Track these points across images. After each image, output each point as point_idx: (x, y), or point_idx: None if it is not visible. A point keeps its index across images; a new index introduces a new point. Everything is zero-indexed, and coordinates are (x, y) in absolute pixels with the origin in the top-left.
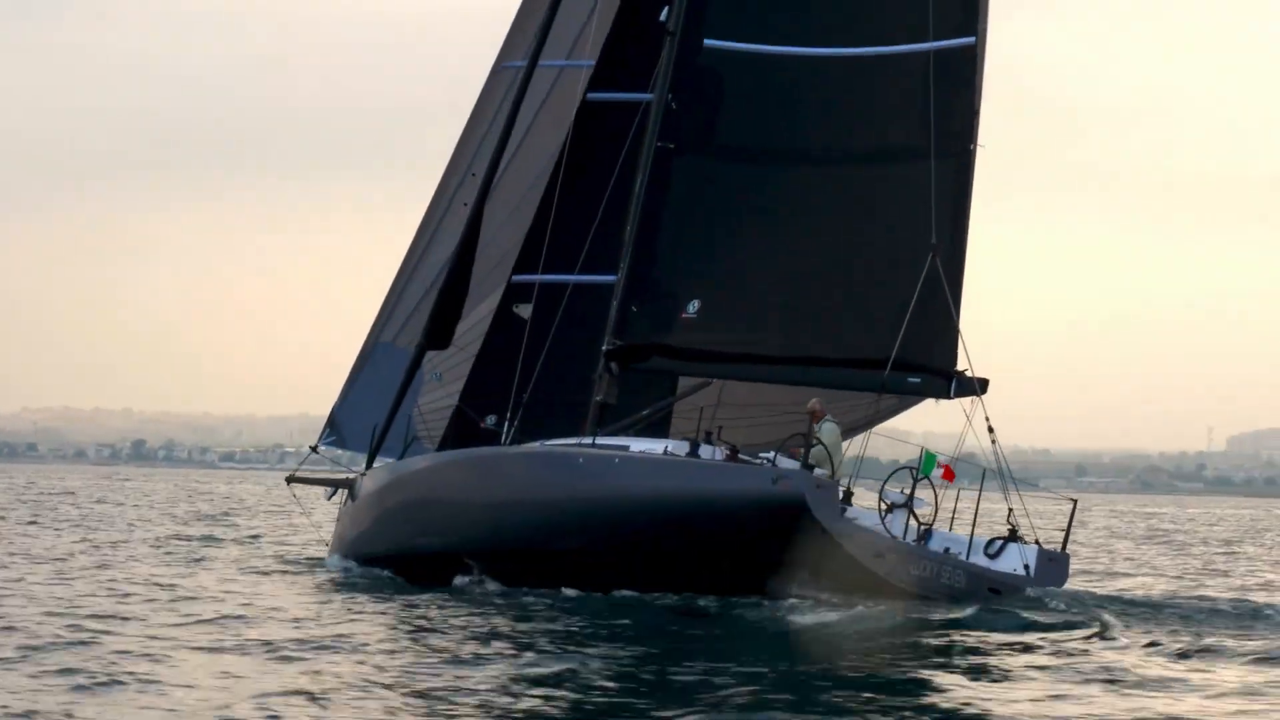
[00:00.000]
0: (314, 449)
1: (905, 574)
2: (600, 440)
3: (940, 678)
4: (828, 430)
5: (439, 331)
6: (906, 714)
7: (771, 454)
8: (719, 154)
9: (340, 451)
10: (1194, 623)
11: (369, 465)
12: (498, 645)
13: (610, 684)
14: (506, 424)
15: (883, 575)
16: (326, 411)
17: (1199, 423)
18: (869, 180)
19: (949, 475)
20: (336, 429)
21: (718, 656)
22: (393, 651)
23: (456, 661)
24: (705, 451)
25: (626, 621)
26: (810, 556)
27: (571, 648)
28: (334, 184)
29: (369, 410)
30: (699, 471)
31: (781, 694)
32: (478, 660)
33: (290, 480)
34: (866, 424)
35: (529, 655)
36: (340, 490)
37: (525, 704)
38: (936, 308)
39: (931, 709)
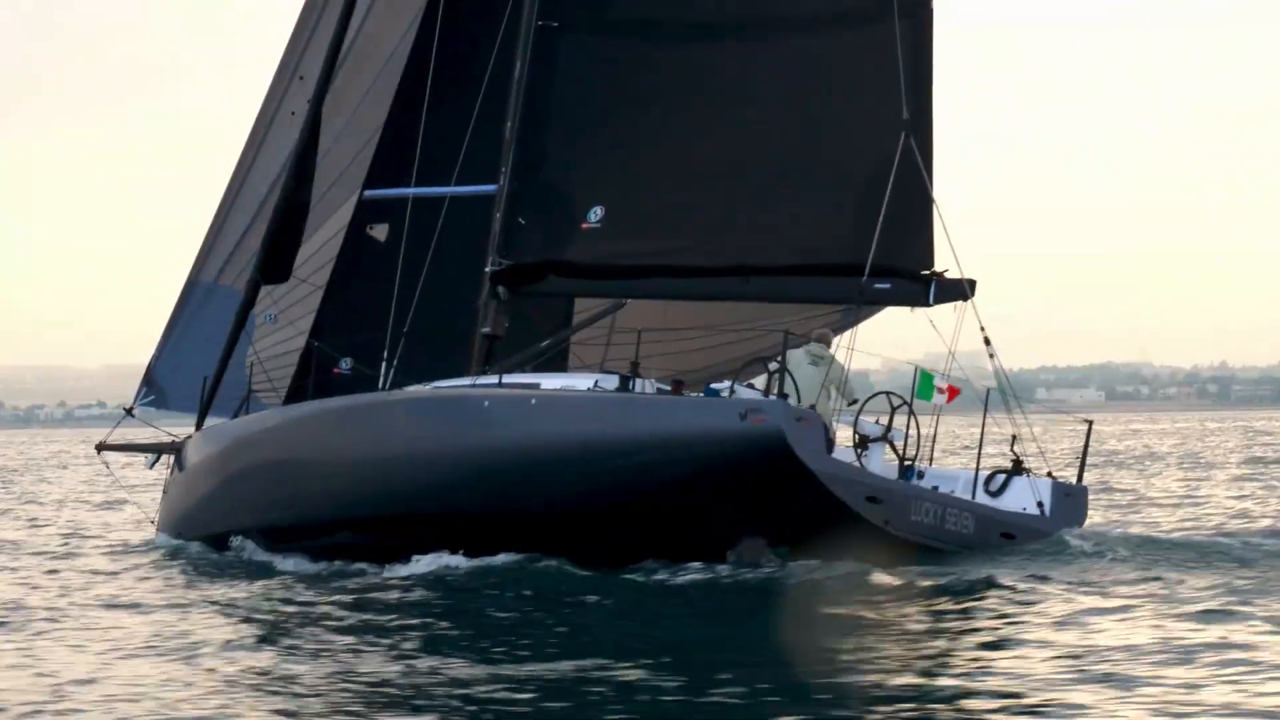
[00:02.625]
0: (129, 411)
1: (906, 522)
2: (502, 379)
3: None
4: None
5: (275, 262)
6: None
7: (727, 385)
8: (615, 29)
9: (160, 412)
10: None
11: (199, 426)
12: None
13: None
14: (384, 365)
15: (879, 524)
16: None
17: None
18: (808, 51)
19: (952, 395)
20: (155, 386)
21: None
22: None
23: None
24: (639, 387)
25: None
26: (792, 506)
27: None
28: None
29: (193, 362)
30: (643, 409)
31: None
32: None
33: (101, 448)
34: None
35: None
36: (164, 457)
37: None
38: (905, 198)
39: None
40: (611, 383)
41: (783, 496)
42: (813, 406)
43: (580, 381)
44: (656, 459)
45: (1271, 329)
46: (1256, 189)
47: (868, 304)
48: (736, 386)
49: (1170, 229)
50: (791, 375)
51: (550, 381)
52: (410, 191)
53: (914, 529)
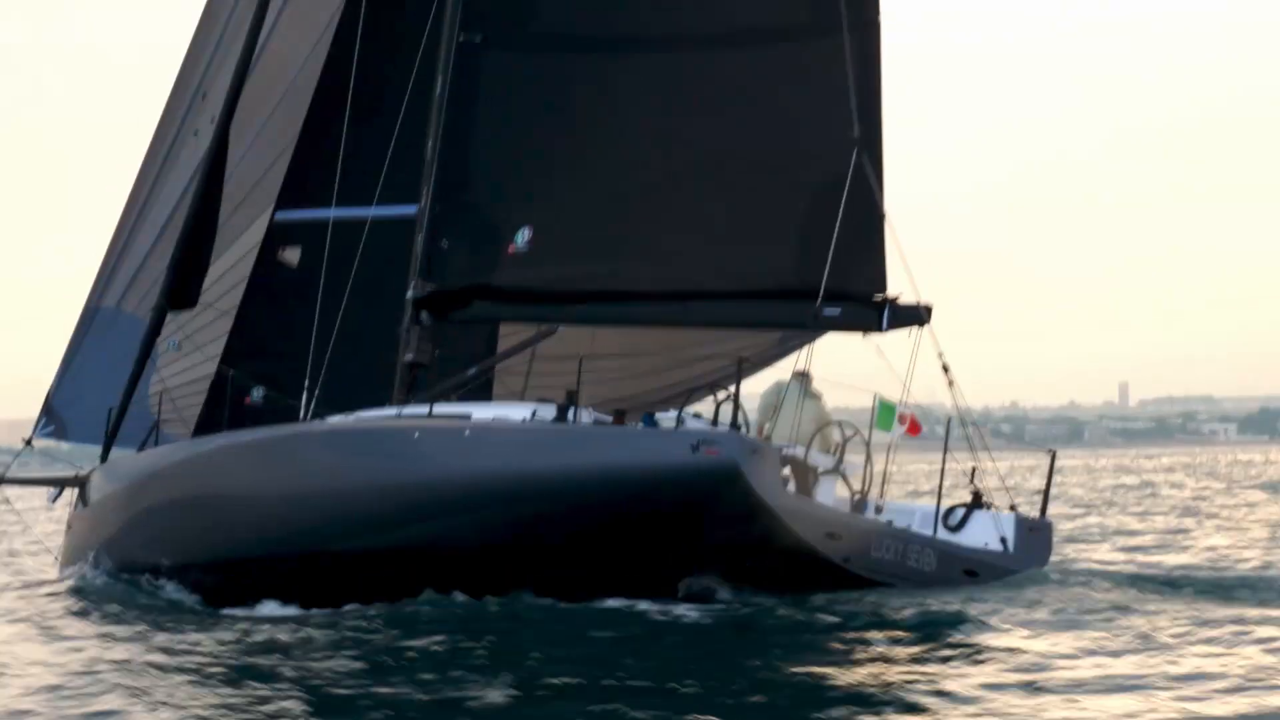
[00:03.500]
0: (28, 442)
1: (866, 558)
2: (419, 410)
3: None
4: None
5: (182, 287)
6: None
7: (672, 414)
8: (541, 44)
9: (60, 444)
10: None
11: (104, 457)
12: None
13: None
14: (305, 394)
15: (839, 561)
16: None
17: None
18: (748, 66)
19: (914, 429)
20: (55, 417)
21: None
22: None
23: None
24: (578, 417)
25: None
26: (747, 542)
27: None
28: None
29: (93, 392)
30: (588, 441)
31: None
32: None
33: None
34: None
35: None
36: (65, 490)
37: None
38: (857, 219)
39: None
40: (548, 412)
41: (738, 532)
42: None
43: (514, 411)
44: (604, 494)
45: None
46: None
47: (817, 330)
48: (684, 417)
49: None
50: (745, 414)
51: (482, 411)
52: (326, 213)
53: (874, 566)
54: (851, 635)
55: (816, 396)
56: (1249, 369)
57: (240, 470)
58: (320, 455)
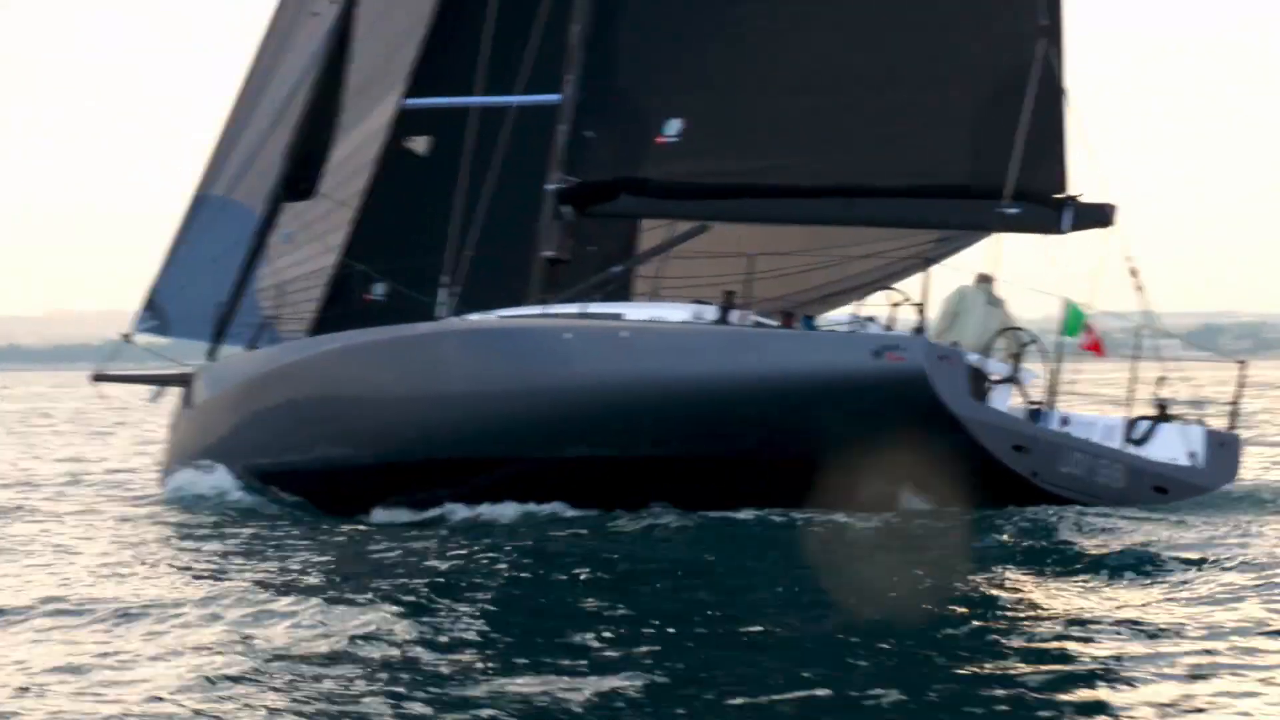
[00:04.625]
0: (127, 337)
1: (1054, 473)
2: (567, 309)
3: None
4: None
5: (301, 176)
6: None
7: (846, 318)
8: None
9: (163, 340)
10: None
11: (211, 354)
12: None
13: None
14: (445, 291)
15: (1026, 475)
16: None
17: None
18: None
19: (1096, 349)
20: (158, 310)
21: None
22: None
23: None
24: (736, 318)
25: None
26: (933, 453)
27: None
28: None
29: (200, 285)
30: (762, 344)
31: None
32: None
33: (97, 378)
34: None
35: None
36: (165, 390)
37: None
38: (1037, 115)
39: None
40: (707, 313)
41: (921, 441)
42: (987, 349)
43: (671, 312)
44: (776, 400)
45: None
46: None
47: (997, 230)
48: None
49: None
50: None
51: (635, 311)
52: (460, 101)
53: (1063, 481)
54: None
55: (998, 302)
56: None
57: (375, 371)
58: (465, 356)
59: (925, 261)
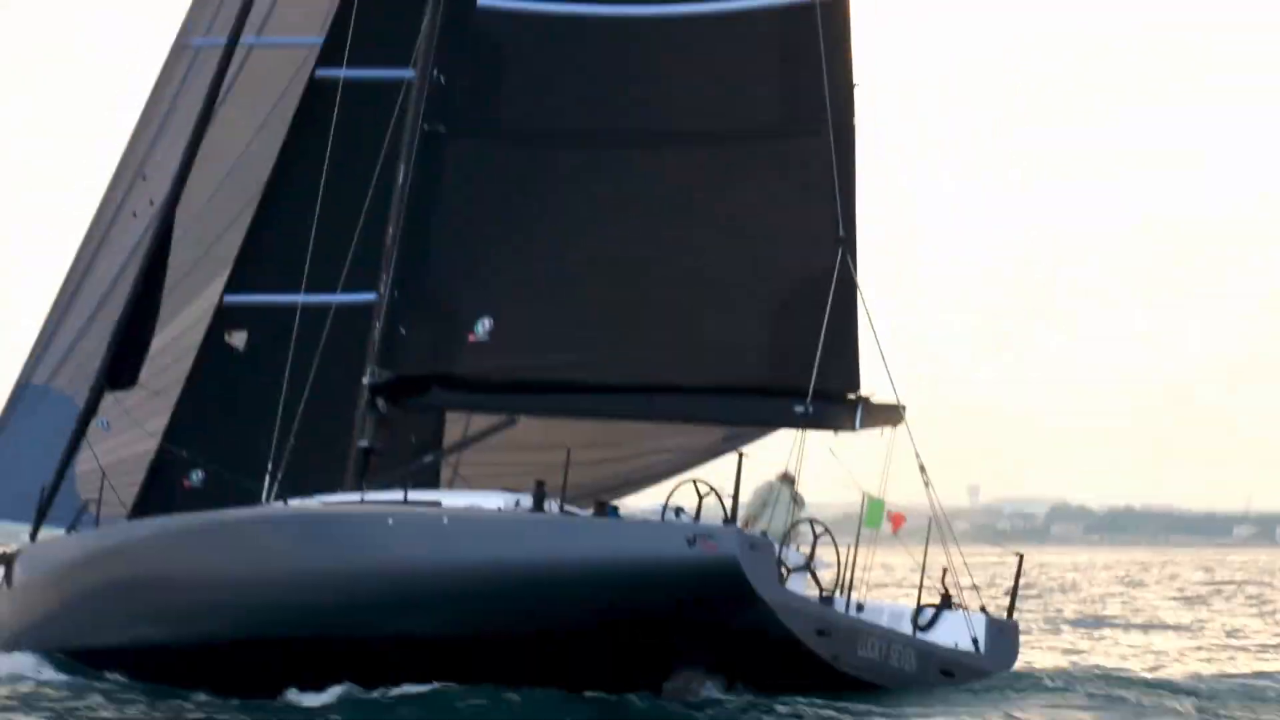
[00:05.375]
0: None
1: (853, 656)
2: (378, 497)
3: None
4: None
5: (124, 366)
6: None
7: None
8: (508, 136)
9: None
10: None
11: (33, 535)
12: None
13: None
14: (267, 479)
15: (828, 660)
16: None
17: None
18: (718, 162)
19: (898, 522)
20: None
21: None
22: None
23: None
24: (549, 507)
25: None
26: (743, 638)
27: None
28: None
29: (20, 469)
30: (579, 532)
31: None
32: None
33: None
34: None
35: None
36: None
37: None
38: (832, 317)
39: None
40: (512, 502)
41: (731, 627)
42: (786, 539)
43: (486, 500)
44: (594, 586)
45: None
46: None
47: (790, 427)
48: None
49: None
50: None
51: (452, 499)
52: (281, 298)
53: (861, 665)
54: None
55: (799, 499)
56: None
57: (205, 552)
58: (291, 539)
59: (713, 454)
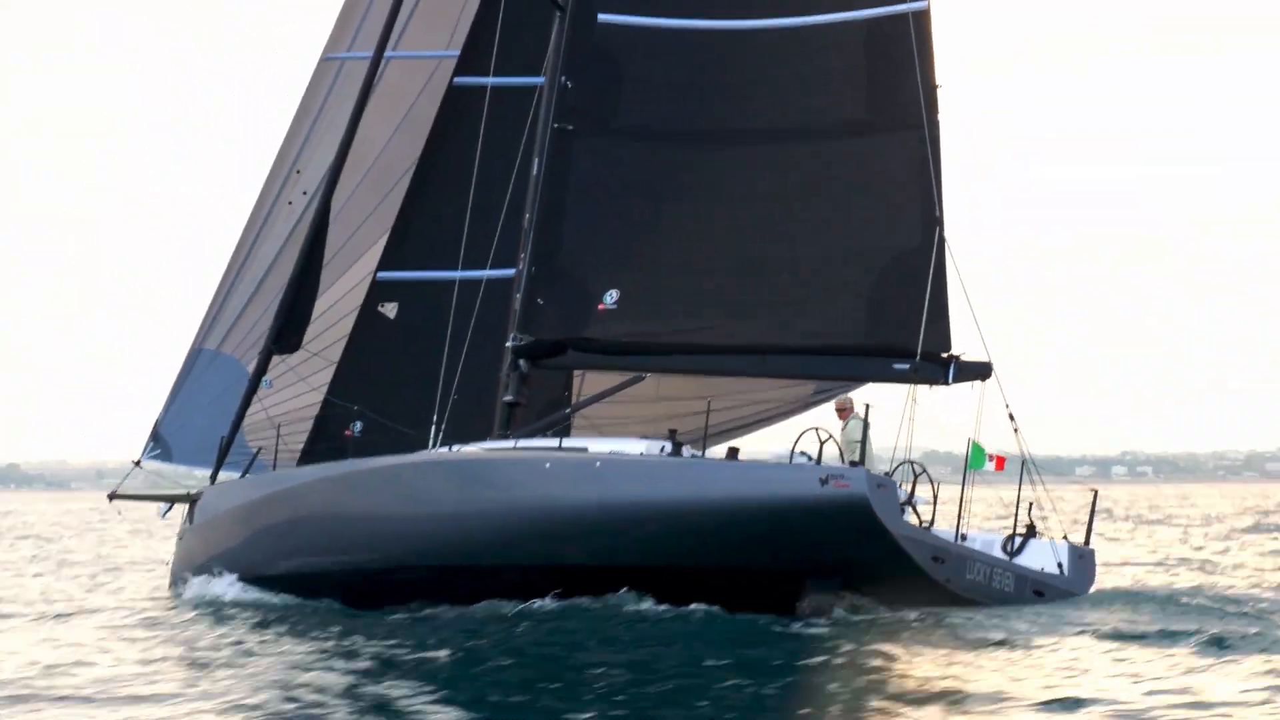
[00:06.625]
0: (137, 463)
1: (962, 579)
2: (531, 444)
3: None
4: (854, 428)
5: (289, 333)
6: None
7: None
8: (624, 134)
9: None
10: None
11: (214, 478)
12: None
13: None
14: (434, 427)
15: (941, 582)
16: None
17: None
18: (816, 155)
19: (1000, 464)
20: (161, 441)
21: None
22: None
23: None
24: (686, 452)
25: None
26: (870, 566)
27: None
28: None
29: (196, 421)
30: (722, 474)
31: None
32: None
33: (113, 496)
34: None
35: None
36: (173, 506)
37: None
38: (926, 287)
39: None
40: (654, 448)
41: (860, 555)
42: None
43: (628, 446)
44: (738, 522)
45: None
46: None
47: (892, 381)
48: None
49: None
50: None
51: (598, 445)
52: (430, 274)
53: (968, 586)
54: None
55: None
56: None
57: (383, 491)
58: (460, 480)
59: (803, 405)
